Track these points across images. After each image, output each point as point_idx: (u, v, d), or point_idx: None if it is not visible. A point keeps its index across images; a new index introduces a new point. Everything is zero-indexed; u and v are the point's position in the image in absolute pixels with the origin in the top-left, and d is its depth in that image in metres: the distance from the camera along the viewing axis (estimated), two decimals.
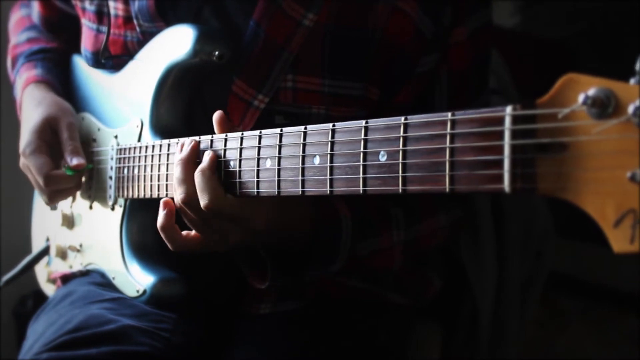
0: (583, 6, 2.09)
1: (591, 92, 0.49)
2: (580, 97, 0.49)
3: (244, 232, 0.84)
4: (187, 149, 0.84)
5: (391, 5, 0.91)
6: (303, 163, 0.71)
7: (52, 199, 1.09)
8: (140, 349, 0.91)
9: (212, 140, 0.83)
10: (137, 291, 0.98)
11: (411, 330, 1.21)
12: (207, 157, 0.81)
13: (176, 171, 0.83)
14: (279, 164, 0.74)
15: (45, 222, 1.25)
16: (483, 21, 0.99)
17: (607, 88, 0.48)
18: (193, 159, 0.83)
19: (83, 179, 1.11)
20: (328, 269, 0.93)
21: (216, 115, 0.84)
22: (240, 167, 0.79)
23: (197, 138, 0.86)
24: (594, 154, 0.49)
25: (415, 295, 1.14)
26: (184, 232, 0.88)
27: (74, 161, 1.03)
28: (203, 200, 0.79)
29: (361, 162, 0.65)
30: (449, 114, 0.58)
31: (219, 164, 0.82)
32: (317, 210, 0.90)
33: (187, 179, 0.82)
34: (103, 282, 1.06)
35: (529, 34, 2.22)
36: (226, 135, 0.82)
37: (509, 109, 0.53)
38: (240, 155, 0.79)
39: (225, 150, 0.81)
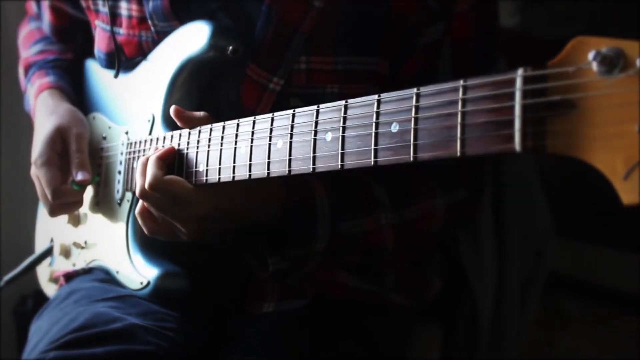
0: (583, 6, 2.09)
1: (601, 49, 0.50)
2: (591, 54, 0.50)
3: (191, 218, 0.88)
4: (150, 151, 0.93)
5: None
6: (315, 140, 0.72)
7: (56, 212, 1.09)
8: (146, 348, 0.91)
9: (224, 127, 0.85)
10: (141, 283, 0.98)
11: (411, 330, 1.21)
12: (165, 148, 0.91)
13: (137, 167, 0.91)
14: (290, 144, 0.75)
15: (50, 222, 1.24)
16: None
17: (616, 46, 0.49)
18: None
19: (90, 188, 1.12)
20: (313, 248, 0.95)
21: (172, 110, 0.90)
22: (251, 150, 0.80)
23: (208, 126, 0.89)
24: (602, 109, 0.50)
25: (415, 296, 1.14)
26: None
27: (79, 176, 1.05)
28: (146, 181, 0.87)
29: (372, 134, 0.66)
30: (461, 81, 0.59)
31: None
32: (290, 193, 0.92)
33: (142, 173, 0.89)
34: (106, 278, 1.07)
35: (529, 34, 2.22)
36: (238, 121, 0.83)
37: (520, 71, 0.55)
38: (252, 138, 0.80)
39: (237, 135, 0.83)
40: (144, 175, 0.89)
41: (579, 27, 2.08)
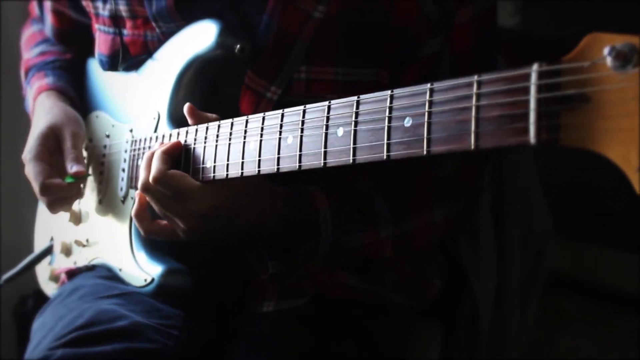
0: (583, 6, 2.09)
1: (616, 45, 0.51)
2: (606, 49, 0.51)
3: (194, 215, 0.87)
4: (156, 145, 0.91)
5: None
6: (326, 135, 0.72)
7: (52, 207, 1.09)
8: (152, 346, 0.91)
9: (232, 123, 0.85)
10: (145, 280, 0.98)
11: (411, 330, 1.21)
12: (171, 142, 0.91)
13: (142, 161, 0.90)
14: (301, 139, 0.75)
15: (50, 221, 1.25)
16: (487, 5, 1.00)
17: (630, 42, 0.50)
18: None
19: (84, 184, 1.11)
20: (313, 257, 0.96)
21: (186, 107, 0.90)
22: (260, 146, 0.80)
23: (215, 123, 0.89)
24: (616, 102, 0.51)
25: (415, 296, 1.15)
26: (157, 220, 0.93)
27: (74, 168, 1.04)
28: (151, 174, 0.86)
29: (385, 128, 0.66)
30: (476, 76, 0.59)
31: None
32: (293, 204, 0.93)
33: (147, 167, 0.89)
34: (110, 275, 1.06)
35: (529, 34, 2.22)
36: (247, 117, 0.83)
37: (535, 66, 0.55)
38: (262, 134, 0.80)
39: (246, 130, 0.83)
40: (148, 169, 0.88)
41: (579, 27, 2.08)
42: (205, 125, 0.89)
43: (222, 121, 0.87)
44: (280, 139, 0.77)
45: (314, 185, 0.96)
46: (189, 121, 0.91)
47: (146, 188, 0.88)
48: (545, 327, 2.07)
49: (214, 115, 0.90)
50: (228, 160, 0.84)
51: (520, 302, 1.31)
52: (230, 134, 0.84)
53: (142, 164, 0.90)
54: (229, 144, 0.84)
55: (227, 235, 0.93)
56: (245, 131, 0.82)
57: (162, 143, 0.94)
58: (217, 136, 0.86)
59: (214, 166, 0.86)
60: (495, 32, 1.05)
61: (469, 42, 1.00)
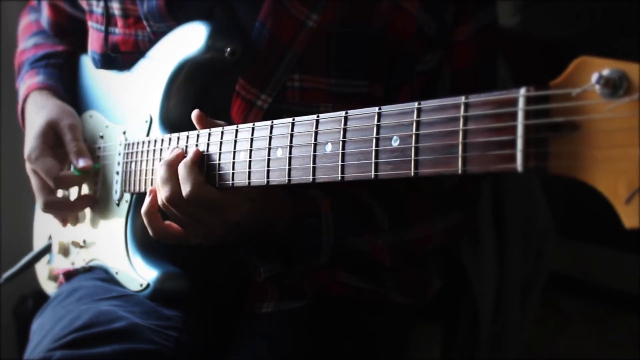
0: (583, 6, 2.09)
1: (604, 72, 0.50)
2: (594, 77, 0.50)
3: (225, 224, 0.87)
4: (173, 154, 0.88)
5: (393, 3, 0.92)
6: (315, 151, 0.72)
7: (49, 207, 1.09)
8: (152, 347, 0.91)
9: (223, 132, 0.84)
10: (141, 285, 0.98)
11: (411, 330, 1.21)
12: (191, 151, 0.86)
13: (160, 171, 0.87)
14: (290, 153, 0.75)
15: (48, 220, 1.24)
16: (488, 20, 1.00)
17: (619, 69, 0.49)
18: (177, 162, 0.87)
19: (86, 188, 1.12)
20: (314, 262, 0.96)
21: (194, 114, 0.88)
22: (250, 157, 0.80)
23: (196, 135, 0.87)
24: (605, 132, 0.50)
25: (415, 296, 1.14)
26: (167, 222, 0.92)
27: (81, 163, 1.04)
28: (185, 190, 0.84)
29: (373, 148, 0.66)
30: (463, 97, 0.58)
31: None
32: (298, 206, 0.93)
33: (171, 179, 0.86)
34: (107, 277, 1.06)
35: (529, 34, 2.22)
36: (237, 127, 0.83)
37: (522, 91, 0.54)
38: (252, 146, 0.80)
39: (236, 141, 0.82)
40: (172, 181, 0.86)
41: (579, 27, 2.08)
42: (196, 132, 0.88)
43: (212, 129, 0.86)
44: (269, 148, 0.77)
45: (317, 191, 0.96)
46: (198, 128, 0.89)
47: (173, 203, 0.86)
48: (545, 327, 2.07)
49: (221, 122, 0.89)
50: (219, 170, 0.84)
51: (520, 302, 1.31)
52: (221, 143, 0.84)
53: (162, 174, 0.87)
54: (220, 152, 0.84)
55: (239, 240, 0.94)
56: (235, 142, 0.82)
57: (182, 153, 0.89)
58: (208, 145, 0.86)
59: (218, 174, 0.85)
60: (498, 44, 1.04)
61: (471, 58, 0.99)
